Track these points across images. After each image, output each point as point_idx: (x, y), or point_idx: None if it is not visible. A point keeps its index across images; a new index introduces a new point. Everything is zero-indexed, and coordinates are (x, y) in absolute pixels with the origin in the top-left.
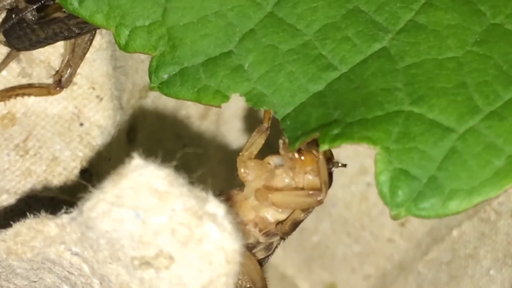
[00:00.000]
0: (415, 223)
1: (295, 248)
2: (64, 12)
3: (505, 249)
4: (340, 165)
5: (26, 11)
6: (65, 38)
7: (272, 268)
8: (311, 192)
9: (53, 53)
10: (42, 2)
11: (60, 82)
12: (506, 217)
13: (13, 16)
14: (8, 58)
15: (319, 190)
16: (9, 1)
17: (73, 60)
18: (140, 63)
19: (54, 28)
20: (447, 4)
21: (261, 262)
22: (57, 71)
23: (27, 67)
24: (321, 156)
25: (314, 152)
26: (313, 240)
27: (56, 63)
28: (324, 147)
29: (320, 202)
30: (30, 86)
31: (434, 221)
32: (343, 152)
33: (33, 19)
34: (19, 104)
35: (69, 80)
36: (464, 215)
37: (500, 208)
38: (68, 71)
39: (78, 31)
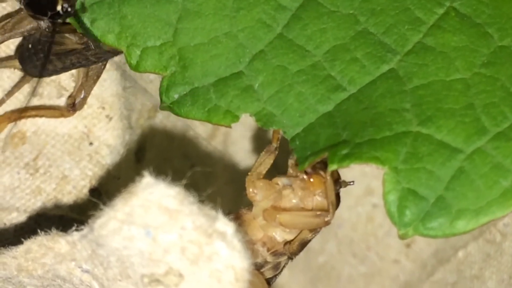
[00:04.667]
0: (421, 244)
1: (301, 269)
2: (82, 44)
3: (510, 270)
4: (348, 184)
5: (46, 39)
6: (81, 67)
7: None
8: (318, 213)
9: (64, 73)
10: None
11: (73, 106)
12: (511, 239)
13: (30, 45)
14: (21, 82)
15: (326, 211)
16: (29, 27)
17: (87, 84)
18: (149, 83)
19: (71, 59)
20: (455, 26)
21: (269, 282)
22: (71, 95)
23: (38, 86)
24: (328, 177)
25: (322, 173)
26: (319, 260)
27: (66, 82)
28: (333, 167)
29: (327, 223)
30: (43, 107)
31: (440, 242)
32: (349, 173)
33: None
34: (29, 123)
35: (82, 104)
36: (470, 236)
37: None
38: (82, 94)
39: (95, 60)
